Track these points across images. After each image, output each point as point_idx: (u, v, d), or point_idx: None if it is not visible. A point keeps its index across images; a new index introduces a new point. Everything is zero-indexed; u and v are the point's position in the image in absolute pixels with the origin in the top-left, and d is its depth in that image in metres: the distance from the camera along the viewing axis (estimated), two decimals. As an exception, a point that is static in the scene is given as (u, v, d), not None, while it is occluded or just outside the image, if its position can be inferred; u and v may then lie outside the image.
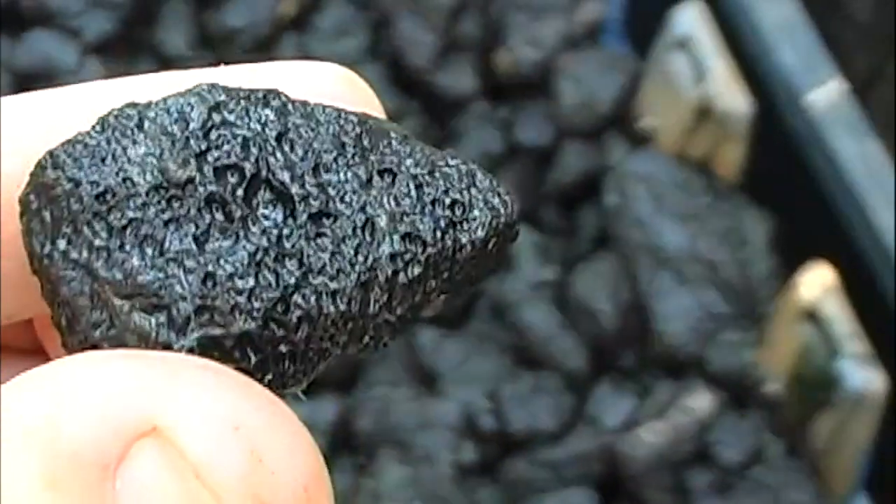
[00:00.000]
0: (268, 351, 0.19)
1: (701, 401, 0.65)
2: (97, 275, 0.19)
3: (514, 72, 0.76)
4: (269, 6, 0.76)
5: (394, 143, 0.21)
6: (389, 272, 0.20)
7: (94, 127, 0.20)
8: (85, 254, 0.19)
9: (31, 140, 0.21)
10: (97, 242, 0.19)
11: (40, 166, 0.20)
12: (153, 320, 0.19)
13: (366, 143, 0.21)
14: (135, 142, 0.19)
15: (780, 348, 0.65)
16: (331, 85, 0.22)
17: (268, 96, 0.20)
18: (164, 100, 0.20)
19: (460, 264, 0.21)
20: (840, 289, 0.63)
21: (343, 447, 0.66)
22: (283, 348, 0.19)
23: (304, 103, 0.21)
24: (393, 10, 0.77)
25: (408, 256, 0.20)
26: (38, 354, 0.23)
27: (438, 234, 0.21)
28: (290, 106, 0.20)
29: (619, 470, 0.64)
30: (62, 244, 0.19)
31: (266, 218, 0.20)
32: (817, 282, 0.64)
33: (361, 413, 0.66)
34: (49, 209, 0.19)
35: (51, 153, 0.20)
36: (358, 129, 0.21)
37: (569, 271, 0.70)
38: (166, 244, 0.19)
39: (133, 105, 0.20)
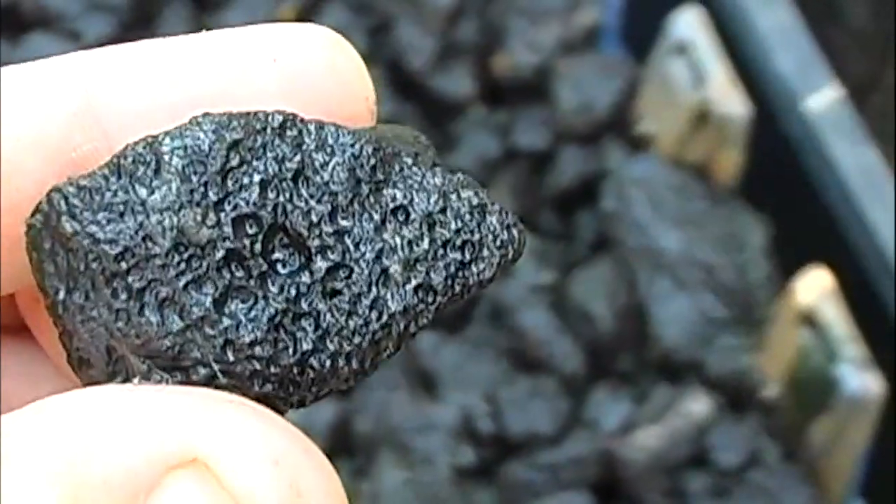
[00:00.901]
0: (278, 401, 0.20)
1: (698, 405, 0.65)
2: (115, 334, 0.19)
3: (513, 76, 0.76)
4: (268, 9, 0.76)
5: (405, 169, 0.21)
6: (402, 327, 0.20)
7: (110, 169, 0.19)
8: (105, 314, 0.19)
9: (29, 108, 0.21)
10: (116, 305, 0.19)
11: (55, 211, 0.19)
12: (171, 379, 0.19)
13: (380, 175, 0.21)
14: (152, 191, 0.19)
15: (778, 352, 0.65)
16: (320, 49, 0.22)
17: (284, 125, 0.20)
18: (180, 133, 0.20)
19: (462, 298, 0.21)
20: (838, 293, 0.63)
21: (342, 450, 0.66)
22: (294, 399, 0.20)
23: (319, 126, 0.20)
24: (392, 14, 0.77)
25: (420, 308, 0.21)
26: (20, 332, 0.23)
27: (449, 281, 0.21)
28: (304, 135, 0.20)
29: (617, 473, 0.64)
30: (79, 298, 0.19)
31: (283, 266, 0.20)
32: (815, 286, 0.64)
33: (360, 416, 0.66)
34: (65, 258, 0.19)
35: (66, 199, 0.19)
36: (372, 161, 0.21)
37: (566, 275, 0.70)
38: (186, 308, 0.19)
39: (148, 143, 0.19)
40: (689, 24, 0.71)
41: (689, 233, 0.69)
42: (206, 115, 0.20)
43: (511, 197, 0.73)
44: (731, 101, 0.69)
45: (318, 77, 0.22)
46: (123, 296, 0.19)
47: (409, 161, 0.21)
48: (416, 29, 0.76)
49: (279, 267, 0.20)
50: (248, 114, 0.20)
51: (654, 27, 0.73)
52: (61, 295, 0.19)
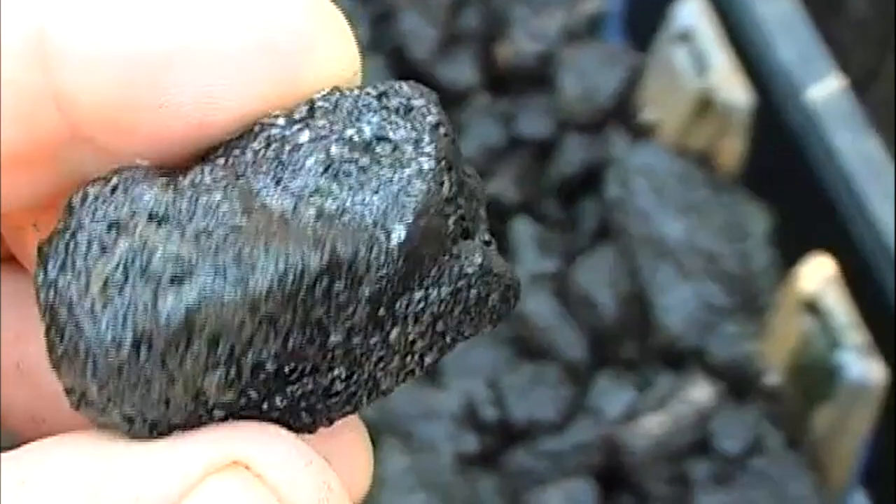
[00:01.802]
0: None
1: (701, 392, 0.65)
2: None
3: (516, 64, 0.76)
4: None
5: (424, 271, 0.20)
6: (385, 394, 0.21)
7: (136, 337, 0.19)
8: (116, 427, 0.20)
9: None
10: (129, 428, 0.20)
11: (80, 373, 0.19)
12: None
13: (399, 287, 0.20)
14: (180, 363, 0.19)
15: (780, 340, 0.66)
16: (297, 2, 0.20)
17: (321, 277, 0.19)
18: (215, 301, 0.19)
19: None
20: (839, 280, 0.64)
21: (345, 436, 0.66)
22: None
23: (351, 261, 0.19)
24: (394, 4, 0.77)
25: (406, 379, 0.21)
26: (7, 261, 0.23)
27: (439, 354, 0.21)
28: (335, 281, 0.19)
29: (620, 460, 0.65)
30: (92, 409, 0.20)
31: (290, 383, 0.20)
32: (817, 273, 0.64)
33: (363, 403, 0.66)
34: (83, 394, 0.19)
35: (95, 368, 0.19)
36: (396, 287, 0.20)
37: (569, 263, 0.70)
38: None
39: (184, 318, 0.19)
40: (691, 13, 0.71)
41: (691, 221, 0.69)
42: (239, 282, 0.19)
43: (514, 185, 0.73)
44: (733, 89, 0.69)
45: (289, 40, 0.19)
46: (138, 425, 0.20)
47: (431, 265, 0.20)
48: (418, 18, 0.76)
49: (286, 380, 0.20)
50: (280, 265, 0.19)
51: (656, 15, 0.73)
52: (76, 394, 0.20)
